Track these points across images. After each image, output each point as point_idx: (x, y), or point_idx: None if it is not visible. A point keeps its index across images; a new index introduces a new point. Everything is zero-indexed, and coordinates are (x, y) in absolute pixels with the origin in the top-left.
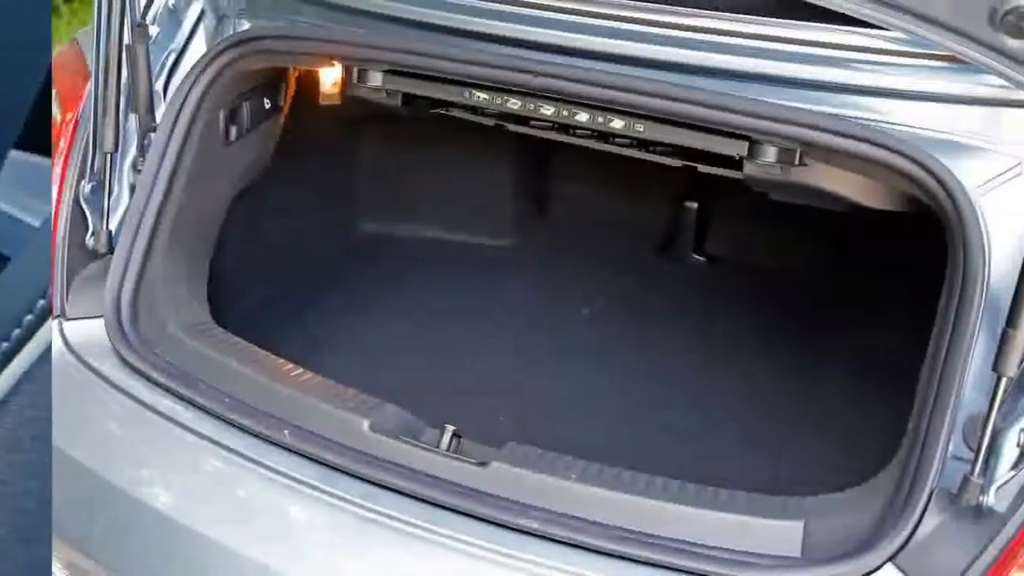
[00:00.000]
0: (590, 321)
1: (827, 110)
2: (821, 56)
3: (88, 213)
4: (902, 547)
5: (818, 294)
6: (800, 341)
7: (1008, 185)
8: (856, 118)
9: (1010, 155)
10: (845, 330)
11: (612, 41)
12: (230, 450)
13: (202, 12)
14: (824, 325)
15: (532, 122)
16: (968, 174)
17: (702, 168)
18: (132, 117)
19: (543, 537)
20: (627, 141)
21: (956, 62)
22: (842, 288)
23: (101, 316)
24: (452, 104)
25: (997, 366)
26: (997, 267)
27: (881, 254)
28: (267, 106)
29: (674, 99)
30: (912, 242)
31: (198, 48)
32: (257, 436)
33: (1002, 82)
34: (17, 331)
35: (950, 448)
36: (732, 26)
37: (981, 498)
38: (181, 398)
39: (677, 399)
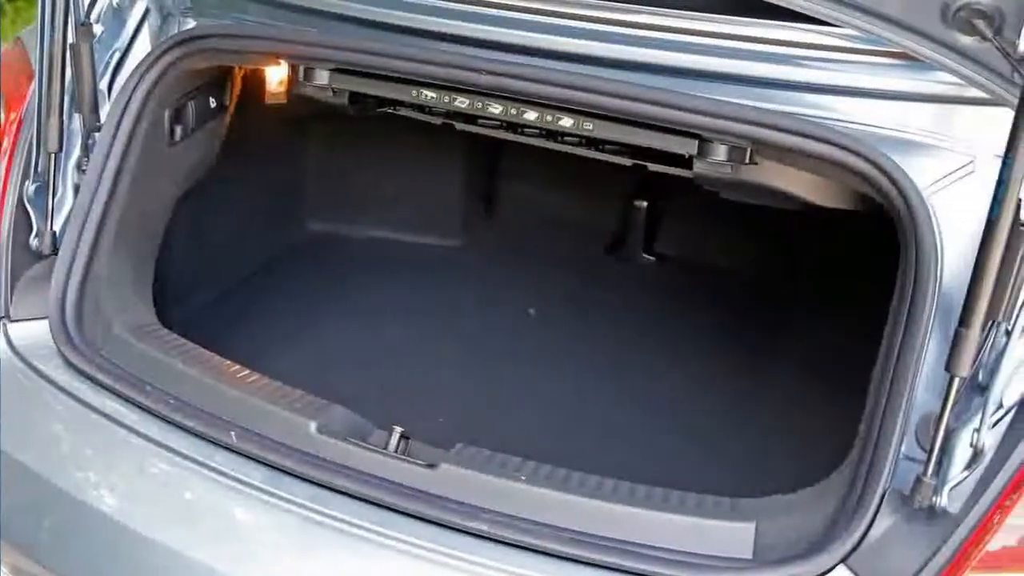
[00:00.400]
0: (537, 322)
1: (778, 108)
2: (773, 53)
3: (32, 214)
4: (854, 549)
5: (768, 294)
6: (751, 341)
7: (960, 183)
8: (807, 116)
9: (962, 153)
10: (796, 330)
11: (562, 39)
12: (176, 452)
13: (147, 11)
14: (774, 325)
15: (480, 121)
16: (921, 172)
17: (652, 167)
18: (76, 117)
19: (493, 539)
20: (576, 140)
21: (908, 59)
22: (793, 287)
23: (46, 318)
24: (399, 103)
25: (950, 366)
26: (949, 266)
27: (832, 253)
28: (212, 105)
29: (622, 97)
30: (863, 241)
31: (143, 47)
32: (203, 438)
33: (954, 79)
34: None
35: (903, 449)
36: (682, 23)
37: (934, 499)
38: (127, 400)
39: (625, 400)
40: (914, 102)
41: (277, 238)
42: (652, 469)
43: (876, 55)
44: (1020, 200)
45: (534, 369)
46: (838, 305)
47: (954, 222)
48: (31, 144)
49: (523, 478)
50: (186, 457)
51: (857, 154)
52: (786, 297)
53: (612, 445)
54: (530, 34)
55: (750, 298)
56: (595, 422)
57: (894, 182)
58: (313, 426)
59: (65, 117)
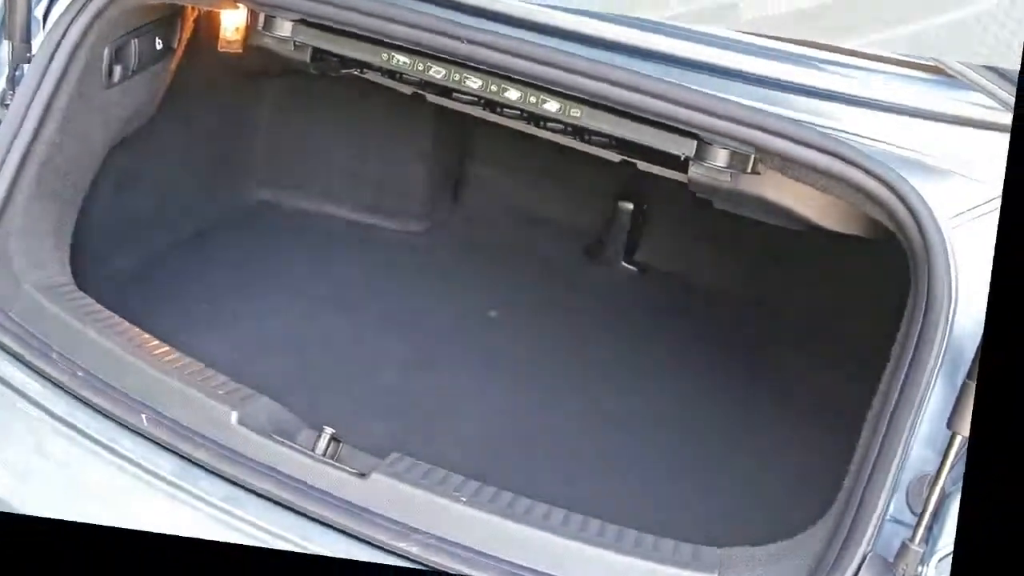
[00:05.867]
0: (499, 325)
1: (789, 114)
2: (790, 53)
3: None
4: None
5: (756, 318)
6: (729, 369)
7: (986, 219)
8: (821, 126)
9: (990, 185)
10: (781, 361)
11: (558, 14)
12: (79, 431)
13: None
14: (758, 354)
15: (455, 95)
16: (942, 202)
17: (642, 166)
18: (4, 44)
19: (422, 564)
20: (561, 127)
21: (940, 74)
22: (784, 313)
23: None
24: (367, 65)
25: (952, 423)
26: (964, 310)
27: (831, 279)
28: (159, 47)
29: (616, 84)
30: (866, 271)
31: None
32: (111, 418)
33: (989, 102)
34: None
35: (890, 509)
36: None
37: (920, 569)
38: (30, 367)
39: (587, 421)
40: (942, 123)
41: (217, 203)
42: (609, 500)
43: (904, 66)
44: None
45: (490, 378)
46: (829, 338)
47: (974, 261)
48: None
49: (463, 499)
50: (89, 438)
51: (873, 175)
52: (773, 324)
53: (567, 469)
54: (522, 3)
55: (733, 322)
56: (551, 441)
57: (911, 209)
58: (235, 416)
59: None
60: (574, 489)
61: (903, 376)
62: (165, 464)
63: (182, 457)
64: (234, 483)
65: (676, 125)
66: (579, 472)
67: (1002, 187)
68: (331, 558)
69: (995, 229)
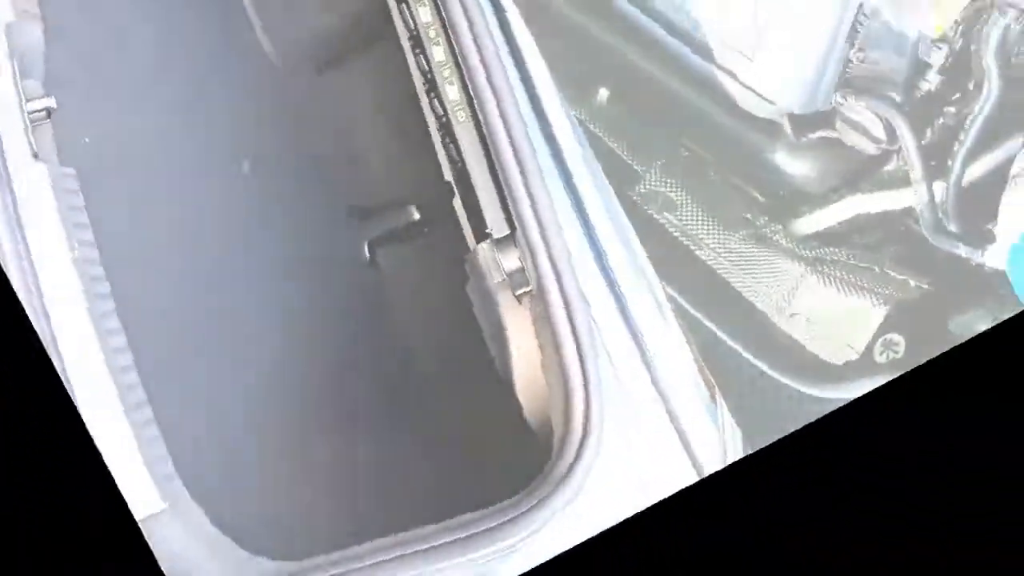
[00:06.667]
0: (237, 179)
1: (583, 275)
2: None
3: None
4: None
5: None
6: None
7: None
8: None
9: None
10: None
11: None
12: None
13: None
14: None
15: (402, 5)
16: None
17: (456, 202)
18: None
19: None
20: (440, 113)
21: (711, 394)
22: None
23: None
24: None
25: None
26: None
27: None
28: None
29: (503, 115)
30: None
31: None
32: None
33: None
34: None
35: None
36: None
37: None
38: None
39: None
40: (668, 435)
41: None
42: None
43: (699, 367)
44: None
45: (189, 215)
46: None
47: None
48: None
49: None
50: None
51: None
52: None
53: (218, 369)
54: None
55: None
56: (227, 329)
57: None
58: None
59: None
60: (204, 388)
61: None
62: None
63: None
64: None
65: (510, 205)
66: (222, 379)
67: None
68: None
69: None
